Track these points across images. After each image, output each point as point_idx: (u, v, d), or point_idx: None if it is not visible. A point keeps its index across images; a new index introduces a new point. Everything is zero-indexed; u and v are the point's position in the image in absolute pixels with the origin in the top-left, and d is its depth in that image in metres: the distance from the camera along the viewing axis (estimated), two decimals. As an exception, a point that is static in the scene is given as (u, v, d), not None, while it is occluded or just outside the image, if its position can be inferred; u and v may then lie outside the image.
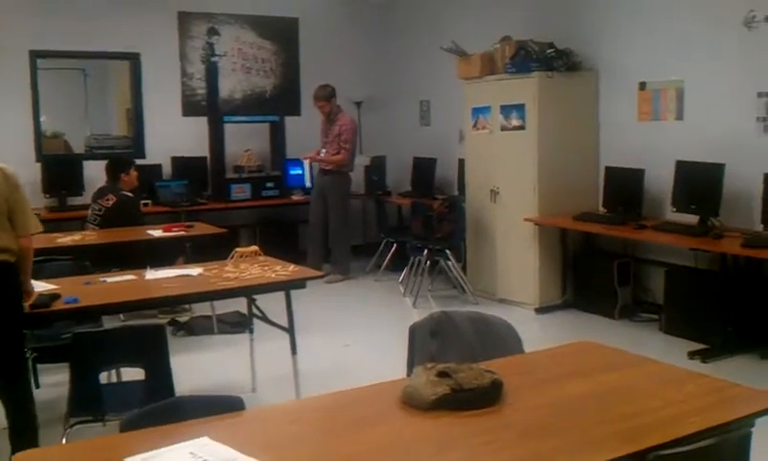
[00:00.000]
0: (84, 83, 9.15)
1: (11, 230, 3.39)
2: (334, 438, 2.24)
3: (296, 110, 9.19)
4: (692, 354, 5.42)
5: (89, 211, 6.54)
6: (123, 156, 7.52)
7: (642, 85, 6.54)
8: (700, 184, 5.85)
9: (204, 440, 2.12)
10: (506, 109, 6.94)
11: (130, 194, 6.52)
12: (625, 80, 6.67)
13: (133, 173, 6.60)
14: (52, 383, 4.17)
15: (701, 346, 5.56)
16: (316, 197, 8.24)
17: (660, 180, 6.27)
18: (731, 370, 4.99)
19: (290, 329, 4.48)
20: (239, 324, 6.08)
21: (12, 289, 3.41)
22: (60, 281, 4.08)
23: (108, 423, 3.23)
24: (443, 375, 2.41)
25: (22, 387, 3.46)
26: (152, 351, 3.36)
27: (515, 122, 6.87)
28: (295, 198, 8.80)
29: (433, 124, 9.14)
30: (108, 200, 6.38)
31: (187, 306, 6.60)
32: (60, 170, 8.07)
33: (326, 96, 8.12)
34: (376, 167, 9.04)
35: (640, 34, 6.53)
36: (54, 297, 3.73)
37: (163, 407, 2.42)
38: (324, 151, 8.16)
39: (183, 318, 6.52)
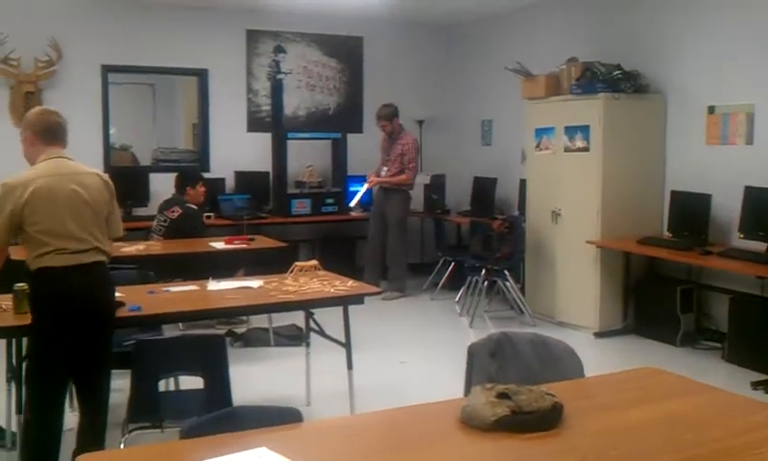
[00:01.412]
0: (152, 97, 9.41)
1: (107, 232, 3.53)
2: (392, 455, 2.23)
3: (358, 128, 9.26)
4: (755, 384, 5.26)
5: (155, 222, 6.68)
6: (193, 170, 7.66)
7: (711, 109, 6.41)
8: (769, 211, 5.69)
9: (262, 450, 2.13)
10: (570, 131, 6.87)
11: (195, 207, 6.64)
12: (693, 103, 6.54)
13: (201, 188, 6.73)
14: (112, 389, 4.24)
15: (764, 376, 5.39)
16: (375, 214, 8.27)
17: (728, 205, 6.12)
18: (797, 403, 4.82)
19: (347, 344, 4.48)
20: (296, 337, 6.12)
21: (110, 289, 3.51)
22: (124, 289, 4.16)
23: (166, 429, 3.28)
24: (502, 396, 2.38)
25: (106, 387, 3.52)
26: (211, 360, 3.41)
27: (579, 143, 6.80)
28: (354, 214, 8.85)
29: (494, 144, 9.10)
30: (173, 211, 6.51)
31: (245, 318, 6.67)
32: (126, 182, 8.20)
33: (388, 115, 8.16)
34: (436, 186, 9.03)
35: (710, 57, 6.40)
36: (118, 304, 3.80)
37: (222, 416, 2.44)
38: (384, 169, 8.19)
39: (241, 329, 6.60)
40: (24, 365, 3.48)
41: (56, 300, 3.32)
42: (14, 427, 3.84)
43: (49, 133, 3.50)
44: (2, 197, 3.30)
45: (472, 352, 3.14)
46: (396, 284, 8.16)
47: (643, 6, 7.02)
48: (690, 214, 6.32)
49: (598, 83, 6.69)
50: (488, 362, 3.14)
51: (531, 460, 2.16)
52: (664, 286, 6.53)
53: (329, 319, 4.68)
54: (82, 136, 8.01)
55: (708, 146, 6.45)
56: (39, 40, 7.70)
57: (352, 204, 8.62)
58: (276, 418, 2.38)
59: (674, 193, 6.57)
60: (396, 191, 8.11)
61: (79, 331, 3.32)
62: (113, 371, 3.70)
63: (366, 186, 8.44)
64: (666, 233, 6.59)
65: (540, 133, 7.24)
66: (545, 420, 2.34)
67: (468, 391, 2.82)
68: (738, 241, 5.96)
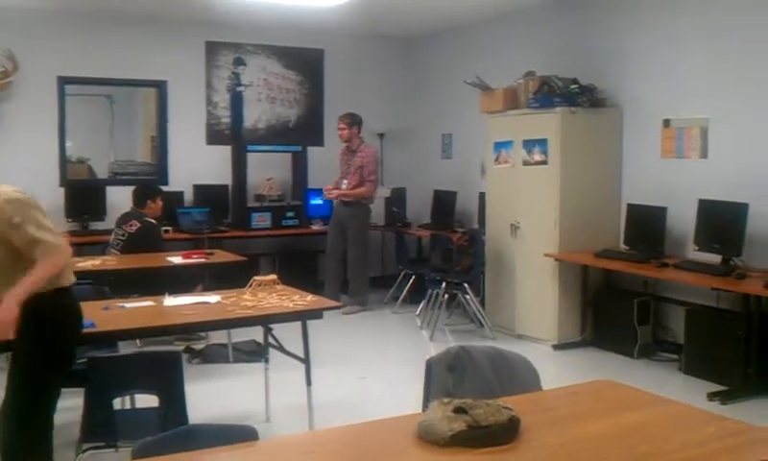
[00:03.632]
0: (110, 109, 9.28)
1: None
2: (347, 472, 2.21)
3: (319, 141, 9.25)
4: (712, 396, 5.33)
5: (112, 236, 6.59)
6: (151, 183, 7.58)
7: (666, 123, 6.52)
8: (723, 224, 5.79)
9: (216, 470, 2.10)
10: (528, 144, 6.93)
11: (153, 221, 6.56)
12: (649, 117, 6.64)
13: (160, 202, 6.66)
14: (65, 407, 4.15)
15: (721, 387, 5.47)
16: (334, 227, 8.24)
17: (683, 218, 6.22)
18: (751, 412, 4.89)
19: (306, 360, 4.45)
20: (255, 353, 6.05)
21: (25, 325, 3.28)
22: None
23: (121, 449, 3.22)
24: (459, 410, 2.37)
25: None
26: (166, 378, 3.36)
27: (537, 157, 6.86)
28: (315, 228, 8.82)
29: (454, 157, 9.15)
30: (131, 225, 6.43)
31: (203, 334, 6.59)
32: (83, 195, 8.15)
33: (349, 121, 8.14)
34: (397, 199, 9.05)
35: (665, 71, 6.51)
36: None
37: (176, 435, 2.40)
38: (344, 182, 8.18)
39: (199, 345, 6.52)
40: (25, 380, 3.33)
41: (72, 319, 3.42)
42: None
43: None
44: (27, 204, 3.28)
45: (430, 367, 3.14)
46: (357, 298, 8.14)
47: (599, 21, 7.12)
48: (646, 227, 6.41)
49: (555, 96, 6.76)
50: (445, 376, 3.14)
51: (487, 475, 2.15)
52: (622, 299, 6.61)
53: (289, 334, 4.64)
54: (38, 149, 7.97)
55: (664, 159, 6.55)
56: (-6, 51, 7.57)
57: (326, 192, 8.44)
58: (231, 436, 2.35)
59: (630, 206, 6.65)
60: (357, 204, 8.09)
61: None
62: (67, 389, 3.63)
63: (329, 196, 8.40)
64: (623, 246, 6.67)
65: (499, 146, 7.29)
66: (502, 434, 2.34)
67: (425, 405, 2.81)
68: (694, 253, 6.06)
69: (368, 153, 8.16)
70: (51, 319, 3.29)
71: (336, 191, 8.17)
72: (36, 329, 3.23)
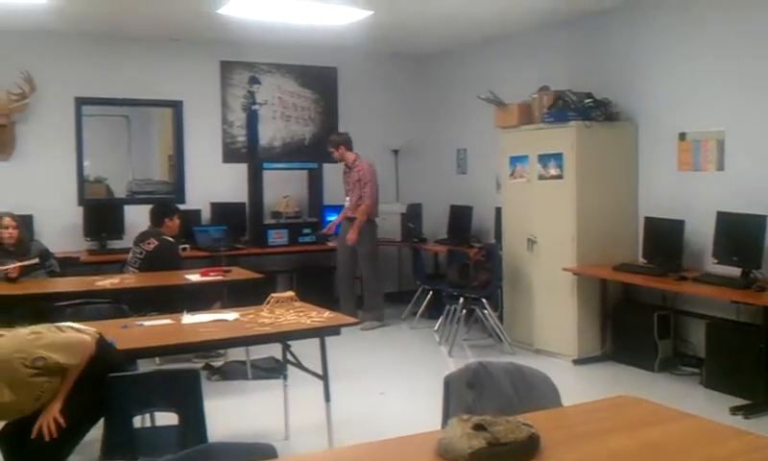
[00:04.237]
0: (127, 129, 9.37)
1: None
2: (367, 489, 2.20)
3: (334, 158, 9.25)
4: (734, 410, 5.27)
5: (130, 254, 6.62)
6: (169, 201, 7.62)
7: (682, 136, 6.49)
8: (742, 236, 5.75)
9: (236, 488, 2.10)
10: (544, 159, 6.92)
11: (171, 239, 6.60)
12: (664, 130, 6.62)
13: (177, 220, 6.69)
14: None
15: (743, 401, 5.41)
16: (342, 245, 8.22)
17: (701, 231, 6.18)
18: (775, 427, 4.85)
19: (324, 377, 4.45)
20: (273, 369, 6.07)
21: None
22: (97, 324, 4.08)
23: (141, 467, 3.23)
24: (478, 427, 2.36)
25: None
26: (185, 395, 3.36)
27: (552, 171, 6.85)
28: (331, 244, 8.83)
29: (470, 172, 9.15)
30: (149, 243, 6.46)
31: (222, 351, 6.61)
32: (101, 214, 8.20)
33: (335, 143, 8.20)
34: (413, 215, 9.05)
35: (680, 84, 6.50)
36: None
37: (195, 454, 2.40)
38: (347, 199, 8.18)
39: (218, 363, 6.53)
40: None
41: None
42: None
43: None
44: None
45: (449, 383, 3.12)
46: (373, 314, 8.14)
47: (614, 35, 7.12)
48: (664, 240, 6.38)
49: (570, 111, 6.75)
50: (465, 393, 3.12)
51: (508, 492, 2.14)
52: (641, 312, 6.57)
53: (308, 351, 4.64)
54: (56, 169, 8.04)
55: (680, 172, 6.52)
56: (11, 73, 7.65)
57: (326, 230, 8.57)
58: (250, 454, 2.35)
59: (647, 220, 6.62)
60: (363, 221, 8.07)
61: None
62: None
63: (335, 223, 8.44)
64: (641, 259, 6.64)
65: (515, 161, 7.29)
66: (522, 451, 2.33)
67: (445, 422, 2.80)
68: (712, 266, 6.01)
69: (363, 166, 8.14)
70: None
71: (336, 220, 8.25)
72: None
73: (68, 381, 3.29)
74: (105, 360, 3.40)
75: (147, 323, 4.40)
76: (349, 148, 8.21)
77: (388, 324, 8.26)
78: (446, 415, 3.01)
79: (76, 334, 3.37)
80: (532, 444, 2.36)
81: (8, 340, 3.24)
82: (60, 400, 3.27)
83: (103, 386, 3.33)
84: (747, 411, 5.25)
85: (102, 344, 3.43)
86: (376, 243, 8.33)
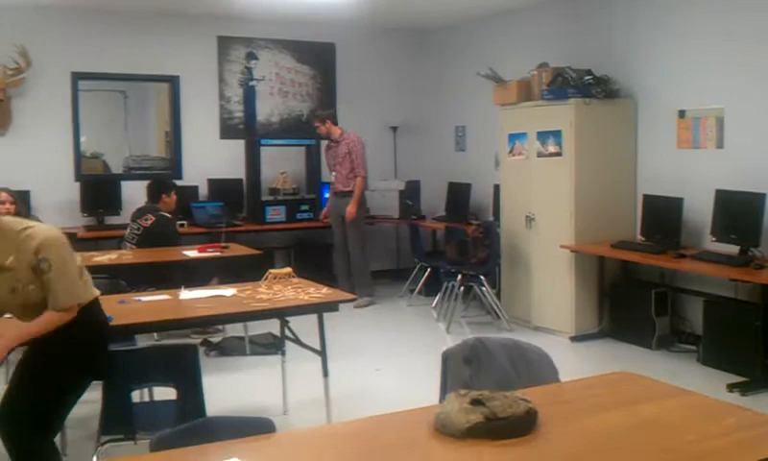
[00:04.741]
0: (123, 104, 9.31)
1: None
2: (365, 464, 2.21)
3: (319, 134, 9.20)
4: (731, 387, 5.29)
5: (127, 230, 6.61)
6: (166, 177, 7.60)
7: (682, 113, 6.46)
8: (740, 214, 5.74)
9: (234, 462, 2.11)
10: (542, 136, 6.90)
11: (168, 215, 6.58)
12: (664, 107, 6.59)
13: (174, 195, 6.67)
14: (83, 401, 4.17)
15: (740, 378, 5.43)
16: (336, 221, 8.17)
17: (700, 209, 6.17)
18: (771, 404, 4.87)
19: (322, 352, 4.45)
20: (271, 345, 6.07)
21: None
22: (95, 300, 4.09)
23: (140, 441, 3.23)
24: (476, 402, 2.36)
25: None
26: (184, 370, 3.36)
27: (551, 148, 6.83)
28: (329, 221, 8.80)
29: (468, 149, 9.12)
30: (146, 219, 6.45)
31: (220, 327, 6.62)
32: (98, 190, 8.18)
33: (321, 118, 8.12)
34: (411, 192, 9.03)
35: (680, 61, 6.46)
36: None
37: (194, 428, 2.41)
38: (334, 174, 8.13)
39: (216, 338, 6.54)
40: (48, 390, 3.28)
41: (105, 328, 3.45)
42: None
43: None
44: (61, 244, 3.24)
45: (447, 359, 3.13)
46: (363, 291, 8.05)
47: (613, 11, 7.07)
48: (663, 218, 6.37)
49: (569, 88, 6.72)
50: (462, 368, 3.13)
51: (506, 467, 2.15)
52: (639, 290, 6.58)
53: (305, 327, 4.64)
54: (52, 145, 8.00)
55: (680, 150, 6.50)
56: (7, 48, 7.60)
57: (322, 216, 8.47)
58: (248, 428, 2.35)
59: (646, 197, 6.61)
60: (351, 195, 7.99)
61: None
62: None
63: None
64: (640, 237, 6.63)
65: (513, 138, 7.26)
66: (519, 426, 2.33)
67: (442, 398, 2.81)
68: (711, 244, 6.01)
69: (352, 138, 8.05)
70: (81, 336, 3.27)
71: (352, 210, 7.94)
72: (67, 347, 3.23)
73: (35, 328, 3.20)
74: (92, 327, 3.35)
75: (145, 298, 4.40)
76: (335, 122, 8.15)
77: (383, 300, 8.24)
78: (444, 390, 3.02)
79: (81, 290, 3.30)
80: (530, 418, 2.37)
81: (41, 230, 3.20)
82: (22, 336, 3.20)
83: (89, 357, 3.30)
84: (744, 388, 5.27)
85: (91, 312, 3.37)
86: (365, 216, 8.29)
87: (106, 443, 3.29)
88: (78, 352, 3.26)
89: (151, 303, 4.32)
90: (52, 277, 3.14)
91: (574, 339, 6.69)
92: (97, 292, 3.42)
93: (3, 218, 3.27)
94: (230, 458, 2.12)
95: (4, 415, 3.28)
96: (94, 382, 3.50)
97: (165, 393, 3.66)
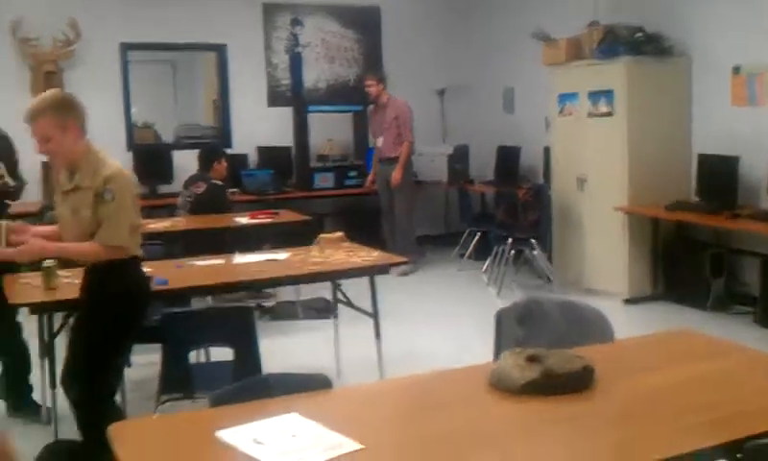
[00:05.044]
0: (172, 74, 9.42)
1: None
2: (422, 418, 2.23)
3: (369, 94, 9.15)
4: (790, 348, 5.19)
5: (180, 198, 6.69)
6: (216, 145, 7.67)
7: (736, 70, 6.29)
8: (800, 171, 5.60)
9: (293, 416, 2.14)
10: (594, 96, 6.79)
11: (220, 182, 6.65)
12: (718, 64, 6.43)
13: (224, 163, 6.73)
14: (143, 363, 4.28)
15: (798, 339, 5.34)
16: (384, 188, 8.14)
17: (756, 167, 6.03)
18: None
19: (374, 315, 4.48)
20: (324, 309, 6.13)
21: None
22: (150, 264, 4.15)
23: (198, 400, 3.30)
24: (532, 359, 2.36)
25: None
26: (240, 331, 3.42)
27: (603, 109, 6.72)
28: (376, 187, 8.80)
29: (517, 111, 9.01)
30: (198, 187, 6.52)
31: (272, 292, 6.69)
32: (150, 159, 8.29)
33: (378, 77, 8.05)
34: (459, 156, 8.96)
35: (734, 16, 6.28)
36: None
37: (252, 384, 2.45)
38: (381, 139, 8.08)
39: (269, 303, 6.62)
40: (96, 350, 3.32)
41: (147, 284, 3.46)
42: (49, 403, 3.89)
43: (85, 121, 3.33)
44: (129, 187, 3.31)
45: (500, 318, 3.13)
46: (409, 258, 7.97)
47: (667, -34, 6.89)
48: (718, 177, 6.23)
49: (620, 46, 6.59)
50: (516, 328, 3.12)
51: (562, 423, 2.15)
52: (694, 251, 6.46)
53: (356, 290, 4.67)
54: (103, 115, 8.07)
55: (734, 107, 6.34)
56: (57, 20, 7.72)
57: (367, 183, 8.46)
58: (305, 385, 2.39)
59: (701, 156, 6.47)
60: (398, 161, 7.95)
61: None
62: (144, 345, 3.75)
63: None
64: (695, 198, 6.51)
65: (564, 99, 7.15)
66: (575, 382, 2.33)
67: (497, 356, 2.81)
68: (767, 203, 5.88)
69: (401, 104, 8.01)
70: (124, 287, 3.33)
71: (397, 176, 7.90)
72: (109, 297, 3.31)
73: (74, 250, 3.28)
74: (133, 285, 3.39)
75: (200, 262, 4.47)
76: (385, 86, 8.12)
77: (423, 267, 8.19)
78: (498, 350, 3.01)
79: (129, 239, 3.31)
80: (586, 375, 2.36)
81: (118, 165, 3.29)
82: (60, 250, 3.34)
83: (130, 316, 3.35)
84: (802, 349, 5.17)
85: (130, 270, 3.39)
86: (412, 184, 8.26)
87: (165, 402, 3.38)
88: (119, 312, 3.31)
89: (206, 267, 4.38)
90: (109, 209, 3.20)
91: (628, 302, 6.61)
92: (141, 254, 3.47)
93: (94, 145, 3.34)
94: (290, 413, 2.15)
95: (64, 380, 3.40)
96: (152, 345, 3.59)
97: (222, 355, 3.73)
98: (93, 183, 3.20)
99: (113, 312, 3.29)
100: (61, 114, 3.20)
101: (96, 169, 3.23)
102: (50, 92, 3.35)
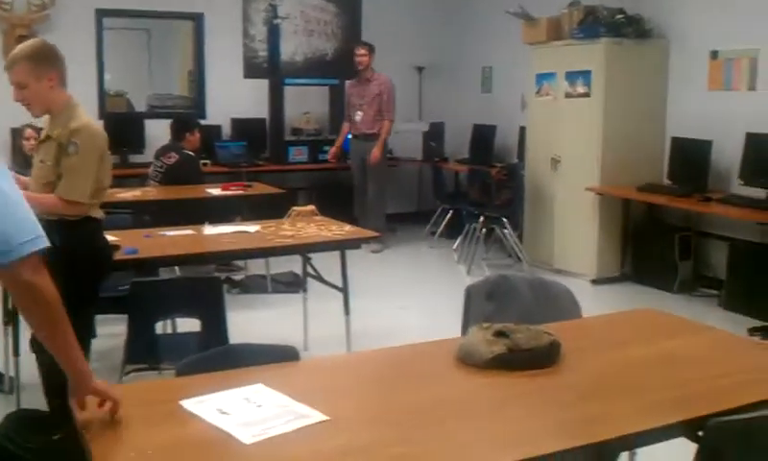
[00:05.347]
0: (147, 42, 9.28)
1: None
2: (389, 390, 2.23)
3: (356, 74, 9.12)
4: (752, 331, 5.28)
5: (151, 168, 6.61)
6: (189, 116, 7.58)
7: (714, 54, 6.32)
8: (771, 157, 5.65)
9: (259, 387, 2.12)
10: (572, 76, 6.79)
11: (191, 153, 6.58)
12: (696, 48, 6.45)
13: (197, 134, 6.65)
14: (108, 334, 4.24)
15: (762, 323, 5.40)
16: (358, 164, 8.08)
17: (729, 152, 6.07)
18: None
19: (344, 289, 4.48)
20: (293, 283, 6.11)
21: None
22: (120, 234, 4.12)
23: (164, 372, 3.28)
24: (500, 334, 2.37)
25: None
26: (208, 302, 3.39)
27: (580, 89, 6.73)
28: (349, 162, 8.76)
29: (494, 91, 9.01)
30: (170, 157, 6.44)
31: (242, 265, 6.66)
32: (122, 128, 8.15)
33: (369, 48, 7.98)
34: (435, 133, 8.96)
35: (714, 1, 6.30)
36: (114, 247, 3.76)
37: (218, 354, 2.44)
38: (359, 114, 8.00)
39: (238, 276, 6.59)
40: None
41: (105, 248, 3.40)
42: (12, 372, 3.84)
43: (66, 74, 3.30)
44: (96, 143, 3.25)
45: (469, 294, 3.12)
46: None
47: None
48: (690, 161, 6.28)
49: (600, 27, 6.59)
50: (484, 304, 3.12)
51: (528, 397, 2.15)
52: (663, 233, 6.52)
53: (326, 265, 4.66)
54: (76, 82, 7.89)
55: (711, 92, 6.38)
56: (31, -17, 7.57)
57: (330, 157, 8.33)
58: (272, 356, 2.38)
59: (675, 140, 6.51)
60: (376, 138, 7.92)
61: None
62: (109, 315, 3.70)
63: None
64: (666, 180, 6.56)
65: (542, 78, 7.15)
66: (542, 357, 2.33)
67: (465, 332, 2.81)
68: (738, 188, 5.93)
69: (385, 80, 7.94)
70: (83, 247, 3.27)
71: (377, 152, 7.82)
72: (65, 256, 3.24)
73: (42, 200, 3.15)
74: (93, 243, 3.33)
75: (169, 233, 4.43)
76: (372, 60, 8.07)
77: (393, 245, 8.16)
78: (466, 324, 3.01)
79: (89, 197, 3.25)
80: (552, 351, 2.37)
81: (89, 120, 3.28)
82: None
83: (90, 277, 3.29)
84: (765, 333, 5.24)
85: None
86: (387, 163, 8.21)
87: (130, 372, 3.35)
88: (77, 273, 3.18)
89: (176, 237, 4.34)
90: (72, 163, 3.17)
91: (595, 282, 6.67)
92: (101, 216, 3.41)
93: (74, 99, 3.33)
94: (255, 383, 2.13)
95: (33, 341, 3.34)
96: (118, 317, 3.55)
97: (189, 326, 3.70)
98: (62, 134, 3.16)
99: (71, 272, 3.23)
100: (38, 63, 3.18)
101: (66, 120, 3.19)
102: (31, 41, 3.34)
